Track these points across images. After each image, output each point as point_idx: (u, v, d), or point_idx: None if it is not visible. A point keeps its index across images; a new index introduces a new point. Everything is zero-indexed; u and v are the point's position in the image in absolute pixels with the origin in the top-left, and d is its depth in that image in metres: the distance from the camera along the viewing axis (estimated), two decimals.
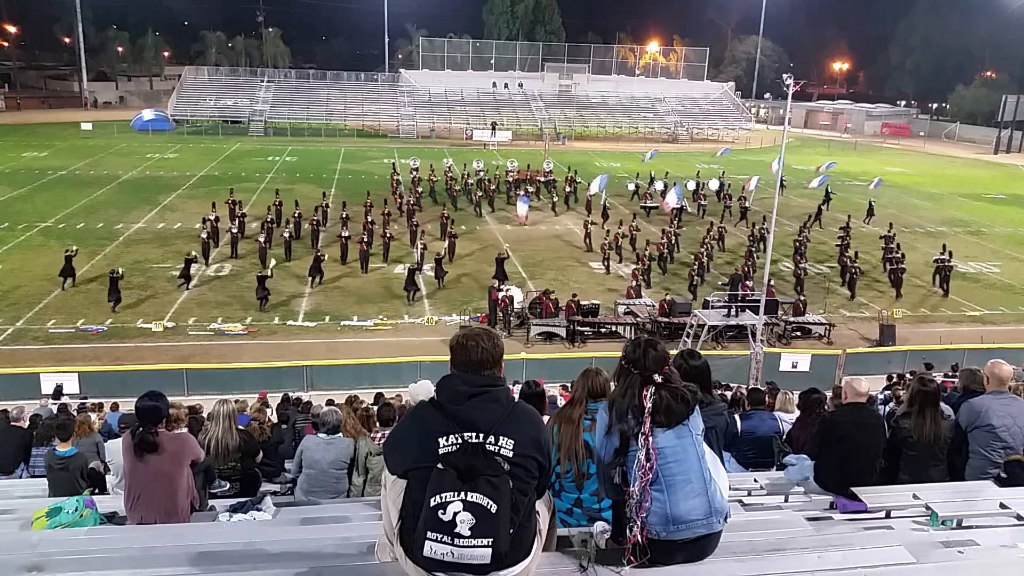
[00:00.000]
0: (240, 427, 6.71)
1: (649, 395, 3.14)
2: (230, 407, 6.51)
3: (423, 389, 5.76)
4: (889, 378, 16.58)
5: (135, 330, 20.68)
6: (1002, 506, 4.28)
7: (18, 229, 29.88)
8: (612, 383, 3.52)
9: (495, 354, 2.96)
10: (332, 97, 68.04)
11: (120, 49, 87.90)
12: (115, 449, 6.00)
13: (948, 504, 4.24)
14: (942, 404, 5.51)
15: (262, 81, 68.88)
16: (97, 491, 6.41)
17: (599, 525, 3.46)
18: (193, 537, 3.93)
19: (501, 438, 2.82)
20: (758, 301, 19.75)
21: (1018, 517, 4.15)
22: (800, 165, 53.67)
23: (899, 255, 26.75)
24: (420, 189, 36.71)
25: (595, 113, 70.00)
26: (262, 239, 26.48)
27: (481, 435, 2.81)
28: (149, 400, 4.79)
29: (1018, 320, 24.09)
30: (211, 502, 5.47)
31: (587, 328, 21.23)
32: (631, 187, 38.64)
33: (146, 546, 3.73)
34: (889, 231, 30.30)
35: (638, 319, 21.52)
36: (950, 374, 15.11)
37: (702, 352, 5.82)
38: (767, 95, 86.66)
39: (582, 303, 21.44)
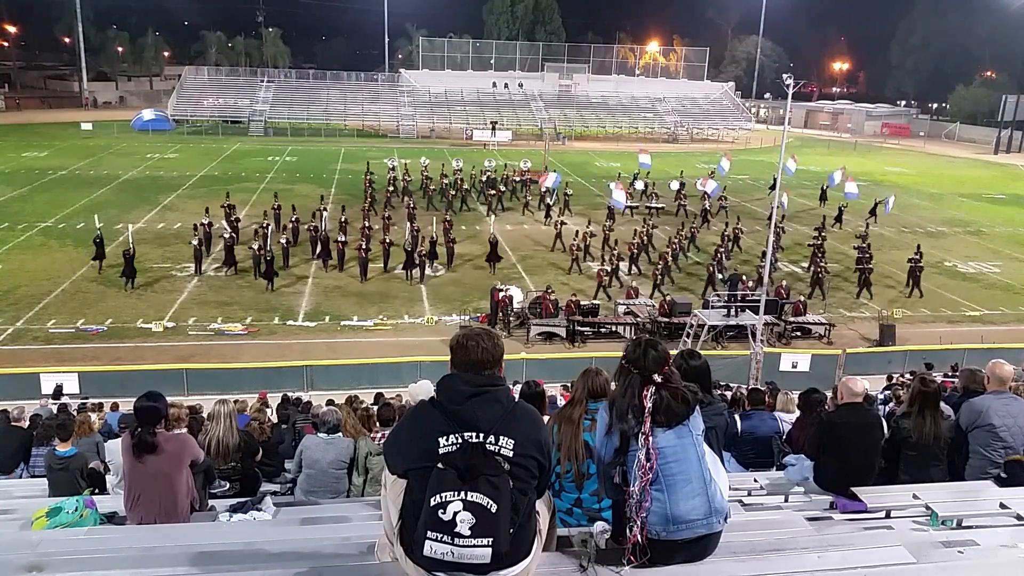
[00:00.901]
0: (240, 427, 6.71)
1: (649, 395, 3.14)
2: (230, 407, 6.51)
3: (423, 389, 5.77)
4: (889, 378, 16.59)
5: (135, 330, 20.69)
6: (1002, 506, 4.27)
7: (18, 229, 29.89)
8: (612, 383, 3.52)
9: (495, 354, 2.96)
10: (332, 97, 68.05)
11: (120, 49, 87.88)
12: (115, 449, 6.00)
13: (948, 504, 4.24)
14: (942, 404, 5.51)
15: (262, 81, 68.88)
16: (97, 491, 6.41)
17: (599, 525, 3.46)
18: (193, 537, 3.93)
19: (501, 438, 2.82)
20: (758, 301, 19.76)
21: (1018, 517, 4.15)
22: (799, 165, 53.66)
23: (868, 255, 26.73)
24: (391, 188, 36.31)
25: (595, 113, 70.00)
26: (256, 247, 24.96)
27: (481, 435, 2.81)
28: (148, 401, 4.78)
29: (1018, 320, 24.10)
30: (211, 502, 5.46)
31: (587, 328, 21.23)
32: (612, 186, 38.52)
33: (146, 546, 3.73)
34: (865, 231, 30.22)
35: (638, 319, 21.53)
36: (950, 374, 15.11)
37: (702, 352, 5.81)
38: (767, 95, 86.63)
39: (582, 303, 21.46)
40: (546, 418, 3.81)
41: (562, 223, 30.05)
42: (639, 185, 37.73)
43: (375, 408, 9.18)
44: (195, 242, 25.38)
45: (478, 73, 72.94)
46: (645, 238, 28.16)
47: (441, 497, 2.71)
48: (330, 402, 11.52)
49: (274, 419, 11.71)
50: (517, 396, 3.78)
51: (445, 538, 2.69)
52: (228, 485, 6.27)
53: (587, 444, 3.85)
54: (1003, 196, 46.59)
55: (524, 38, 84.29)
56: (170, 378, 16.92)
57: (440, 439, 2.80)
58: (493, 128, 62.69)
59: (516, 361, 17.98)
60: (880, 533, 4.01)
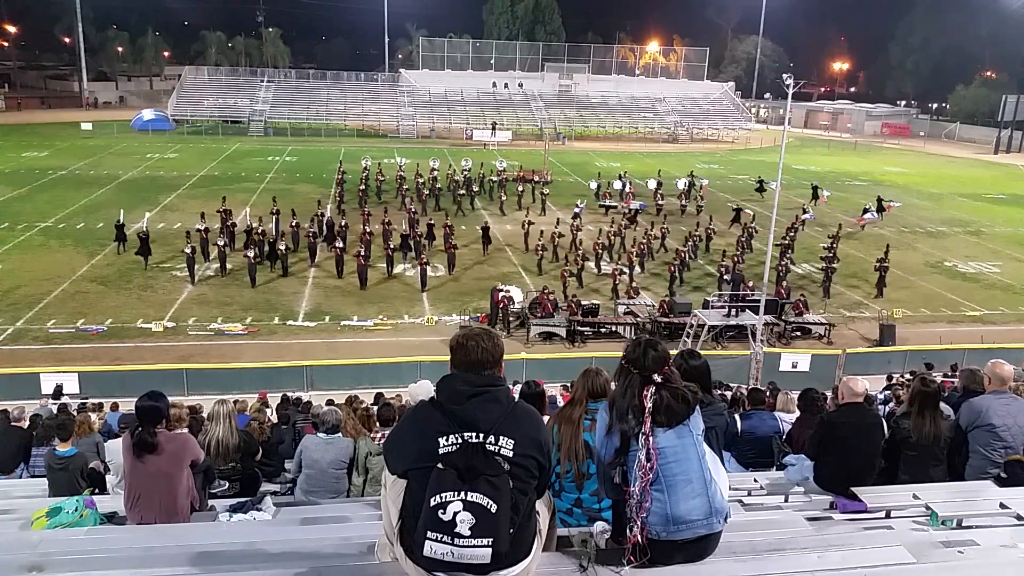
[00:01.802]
0: (240, 427, 6.71)
1: (649, 395, 3.14)
2: (228, 407, 6.51)
3: (423, 389, 5.76)
4: (889, 378, 16.59)
5: (135, 330, 20.69)
6: (1002, 506, 4.27)
7: (18, 229, 29.89)
8: (612, 383, 3.52)
9: (495, 354, 2.96)
10: (332, 97, 68.05)
11: (120, 49, 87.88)
12: (115, 449, 6.00)
13: (948, 504, 4.24)
14: (942, 404, 5.51)
15: (262, 81, 68.88)
16: (97, 491, 6.41)
17: (599, 525, 3.46)
18: (193, 537, 3.93)
19: (501, 438, 2.82)
20: (758, 301, 19.76)
21: (1018, 517, 4.15)
22: (799, 165, 53.72)
23: (831, 255, 26.76)
24: (363, 187, 36.10)
25: (595, 113, 70.00)
26: (251, 254, 24.22)
27: (481, 435, 2.81)
28: (149, 400, 4.79)
29: (1018, 320, 24.10)
30: (211, 502, 5.46)
31: (587, 328, 21.23)
32: (593, 186, 38.35)
33: (146, 546, 3.73)
34: (838, 231, 30.11)
35: (638, 319, 21.53)
36: (950, 374, 15.11)
37: (702, 352, 5.81)
38: (767, 95, 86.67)
39: (582, 303, 21.46)
40: (546, 418, 3.81)
41: (530, 223, 29.57)
42: (617, 185, 37.50)
43: (375, 408, 9.17)
44: (188, 250, 24.41)
45: (478, 73, 72.92)
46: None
47: (441, 497, 2.71)
48: (330, 402, 11.53)
49: (274, 419, 11.70)
50: (517, 396, 3.78)
51: (445, 538, 2.69)
52: (228, 485, 6.27)
53: (587, 444, 3.85)
54: (1003, 196, 46.59)
55: (524, 38, 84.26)
56: (170, 378, 16.91)
57: (440, 439, 2.80)
58: (493, 128, 62.68)
59: (516, 361, 17.98)
60: (880, 533, 4.01)
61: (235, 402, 8.56)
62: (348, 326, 21.64)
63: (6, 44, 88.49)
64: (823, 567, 3.33)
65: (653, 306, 22.43)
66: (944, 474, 5.23)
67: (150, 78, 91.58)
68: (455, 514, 2.69)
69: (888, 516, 4.30)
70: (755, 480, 5.57)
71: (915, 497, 4.38)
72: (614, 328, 21.35)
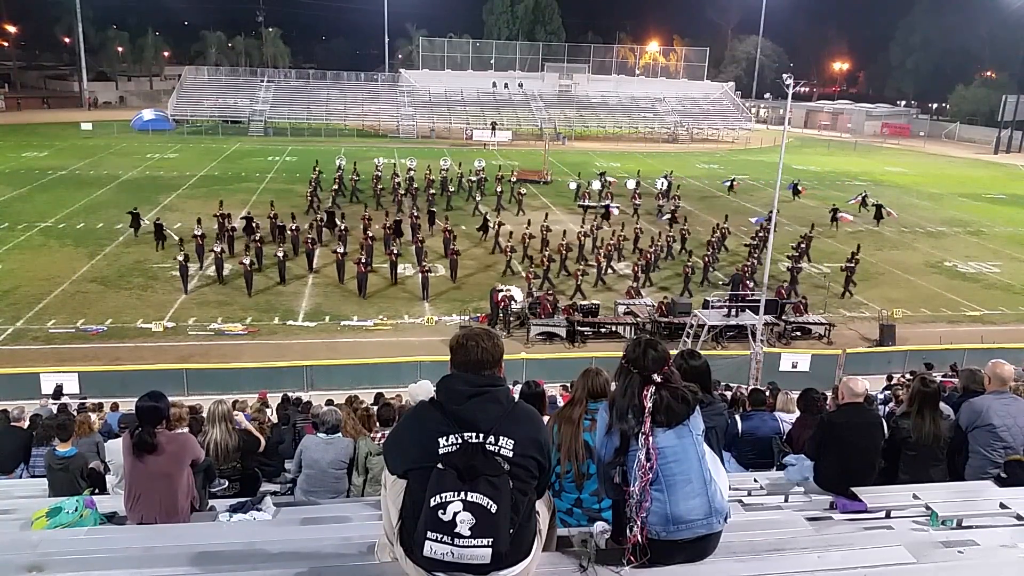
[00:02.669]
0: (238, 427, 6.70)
1: (649, 395, 3.14)
2: (225, 408, 6.51)
3: (423, 389, 5.76)
4: (889, 378, 16.59)
5: (135, 330, 20.69)
6: (1002, 506, 4.27)
7: (18, 229, 29.89)
8: (612, 383, 3.52)
9: (495, 354, 2.96)
10: (332, 97, 68.04)
11: (120, 49, 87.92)
12: (115, 449, 6.00)
13: (948, 504, 4.24)
14: (942, 404, 5.51)
15: (262, 81, 68.88)
16: (97, 491, 6.40)
17: (599, 525, 3.46)
18: (193, 537, 3.93)
19: (501, 438, 2.82)
20: (758, 301, 19.76)
21: (1018, 517, 4.15)
22: (799, 165, 53.73)
23: (797, 254, 26.77)
24: (336, 187, 36.02)
25: (595, 113, 69.99)
26: (247, 261, 23.61)
27: (481, 435, 2.81)
28: (149, 400, 4.79)
29: (1018, 320, 24.09)
30: (211, 502, 5.46)
31: (587, 328, 21.23)
32: (572, 186, 38.26)
33: (146, 546, 3.73)
34: (811, 231, 30.01)
35: (638, 319, 21.53)
36: (950, 374, 15.11)
37: (702, 352, 5.81)
38: (767, 95, 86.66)
39: (582, 303, 21.45)
40: (546, 418, 3.81)
41: (500, 223, 29.31)
42: (596, 185, 37.36)
43: (375, 408, 9.17)
44: (180, 258, 23.40)
45: (478, 73, 72.91)
46: (582, 239, 27.71)
47: (441, 497, 2.71)
48: (330, 402, 11.52)
49: (274, 419, 11.70)
50: (517, 396, 3.78)
51: (445, 538, 2.69)
52: (228, 484, 6.27)
53: (587, 444, 3.85)
54: (1003, 196, 46.59)
55: (524, 38, 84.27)
56: (170, 378, 16.91)
57: (440, 439, 2.80)
58: (493, 128, 62.68)
59: (516, 361, 17.98)
60: (880, 533, 4.01)
61: (234, 402, 8.58)
62: (348, 326, 21.64)
63: (6, 44, 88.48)
64: (823, 567, 3.33)
65: (653, 306, 22.43)
66: (944, 474, 5.23)
67: (150, 78, 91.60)
68: (455, 514, 2.69)
69: (888, 516, 4.30)
70: (755, 480, 5.56)
71: (915, 497, 4.38)
72: (614, 328, 21.35)
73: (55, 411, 12.31)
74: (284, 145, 56.00)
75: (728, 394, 12.52)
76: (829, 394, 11.19)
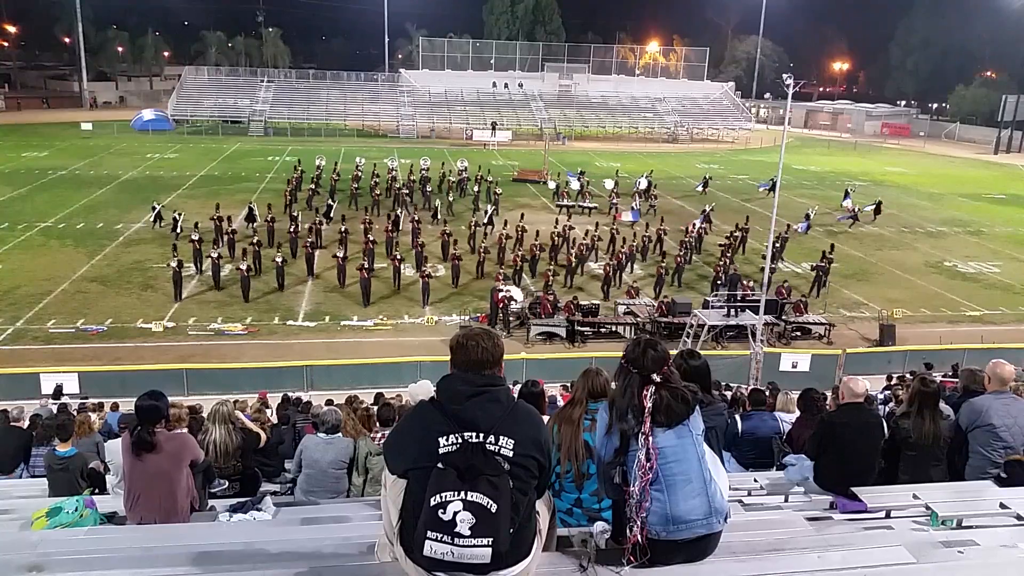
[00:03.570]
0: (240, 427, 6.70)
1: (649, 395, 3.14)
2: (227, 408, 6.51)
3: (423, 389, 5.77)
4: (889, 378, 16.59)
5: (135, 330, 20.69)
6: (1002, 506, 4.27)
7: (18, 229, 29.90)
8: (612, 383, 3.52)
9: (495, 354, 2.96)
10: (332, 97, 68.04)
11: (120, 49, 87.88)
12: (115, 449, 5.99)
13: (948, 504, 4.23)
14: (942, 404, 5.51)
15: (262, 81, 68.88)
16: (97, 491, 6.40)
17: (599, 525, 3.46)
18: (193, 537, 3.93)
19: (501, 438, 2.82)
20: (758, 301, 19.76)
21: (1018, 517, 4.15)
22: (799, 165, 53.74)
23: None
24: (313, 186, 36.09)
25: (595, 113, 69.99)
26: (244, 267, 23.05)
27: (481, 435, 2.81)
28: (149, 399, 4.79)
29: (1018, 320, 24.09)
30: (211, 502, 5.46)
31: (587, 328, 21.23)
32: (551, 186, 38.18)
33: (146, 546, 3.73)
34: (786, 231, 29.87)
35: (638, 319, 21.53)
36: (950, 374, 15.11)
37: (702, 352, 5.81)
38: (767, 95, 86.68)
39: (582, 303, 21.45)
40: (546, 418, 3.80)
41: (476, 224, 29.04)
42: (575, 185, 37.30)
43: (375, 408, 9.17)
44: (174, 263, 22.61)
45: (478, 73, 72.91)
46: (556, 239, 27.59)
47: (441, 497, 2.71)
48: (330, 402, 11.52)
49: (274, 419, 11.70)
50: (517, 396, 3.78)
51: (445, 538, 2.69)
52: (228, 484, 6.26)
53: (587, 444, 3.85)
54: (1003, 196, 46.60)
55: (524, 38, 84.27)
56: (170, 378, 16.90)
57: (440, 439, 2.80)
58: (493, 128, 62.68)
59: (516, 361, 17.98)
60: (880, 533, 4.01)
61: (235, 402, 8.55)
62: (348, 326, 21.64)
63: (6, 44, 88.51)
64: (823, 567, 3.33)
65: (653, 306, 22.43)
66: (944, 474, 5.23)
67: (150, 78, 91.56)
68: (455, 514, 2.69)
69: (888, 516, 4.30)
70: (755, 480, 5.57)
71: (915, 497, 4.38)
72: (614, 328, 21.35)
73: (55, 411, 12.31)
74: (284, 145, 56.00)
75: (728, 394, 12.52)
76: (829, 394, 11.20)
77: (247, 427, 6.77)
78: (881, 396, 13.29)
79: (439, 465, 2.76)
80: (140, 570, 3.38)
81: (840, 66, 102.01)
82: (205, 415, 7.24)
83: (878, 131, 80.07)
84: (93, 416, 11.32)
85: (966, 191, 47.29)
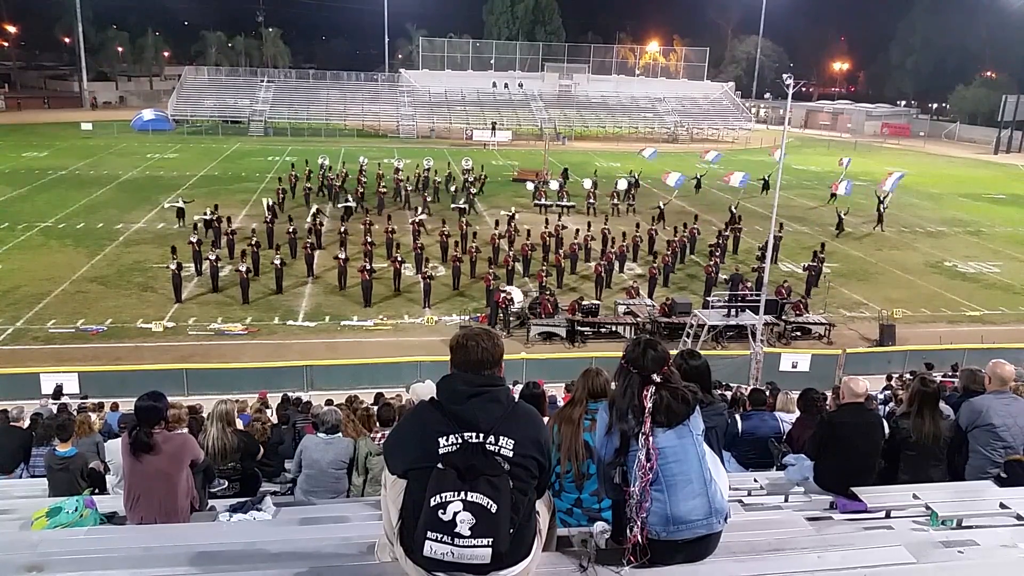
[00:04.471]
0: (240, 427, 6.70)
1: (649, 395, 3.14)
2: (224, 408, 6.50)
3: (427, 389, 5.76)
4: (889, 378, 16.59)
5: (135, 330, 20.68)
6: (1002, 506, 4.27)
7: (18, 229, 29.89)
8: (612, 383, 3.52)
9: (495, 354, 2.96)
10: (332, 97, 68.05)
11: (120, 49, 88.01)
12: (115, 449, 6.00)
13: (948, 504, 4.23)
14: (942, 404, 5.51)
15: (262, 81, 68.90)
16: (97, 491, 6.41)
17: (599, 525, 3.46)
18: (193, 537, 3.93)
19: (501, 438, 2.82)
20: (758, 301, 19.76)
21: (1018, 517, 4.15)
22: (799, 165, 53.71)
23: (761, 255, 26.74)
24: (309, 185, 36.10)
25: (595, 113, 70.01)
26: (243, 268, 22.83)
27: (481, 435, 2.81)
28: (148, 400, 4.79)
29: (1018, 320, 24.09)
30: (211, 502, 5.46)
31: (587, 328, 21.23)
32: (530, 187, 38.10)
33: (146, 546, 3.73)
34: (779, 230, 29.69)
35: (638, 319, 21.52)
36: (950, 374, 15.11)
37: (702, 352, 5.81)
38: (767, 95, 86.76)
39: (582, 303, 21.44)
40: (546, 418, 3.81)
41: (467, 224, 28.90)
42: (553, 184, 37.19)
43: (375, 408, 9.17)
44: (173, 265, 22.38)
45: (478, 73, 72.94)
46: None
47: (441, 497, 2.71)
48: (330, 402, 11.51)
49: (274, 419, 11.70)
50: (517, 397, 3.78)
51: (445, 538, 2.69)
52: (227, 484, 6.26)
53: (587, 444, 3.85)
54: (1003, 196, 46.59)
55: (524, 38, 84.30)
56: (170, 378, 16.89)
57: (440, 439, 2.80)
58: (493, 128, 62.69)
59: (516, 361, 17.97)
60: (880, 533, 4.00)
61: (236, 402, 8.56)
62: (348, 326, 21.63)
63: (6, 44, 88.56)
64: (823, 567, 3.33)
65: (653, 306, 22.43)
66: (944, 474, 5.23)
67: (150, 78, 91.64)
68: (455, 514, 2.69)
69: (888, 516, 4.30)
70: (755, 480, 5.56)
71: (915, 497, 4.38)
72: (614, 328, 21.35)
73: (55, 411, 12.31)
74: (284, 145, 55.99)
75: (728, 394, 12.52)
76: (829, 394, 11.19)
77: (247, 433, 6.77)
78: (881, 396, 13.29)
79: (439, 465, 2.76)
80: (140, 570, 3.38)
81: (840, 66, 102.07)
82: (205, 415, 7.24)
83: (878, 131, 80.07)
84: (93, 416, 11.32)
85: (966, 191, 47.28)
